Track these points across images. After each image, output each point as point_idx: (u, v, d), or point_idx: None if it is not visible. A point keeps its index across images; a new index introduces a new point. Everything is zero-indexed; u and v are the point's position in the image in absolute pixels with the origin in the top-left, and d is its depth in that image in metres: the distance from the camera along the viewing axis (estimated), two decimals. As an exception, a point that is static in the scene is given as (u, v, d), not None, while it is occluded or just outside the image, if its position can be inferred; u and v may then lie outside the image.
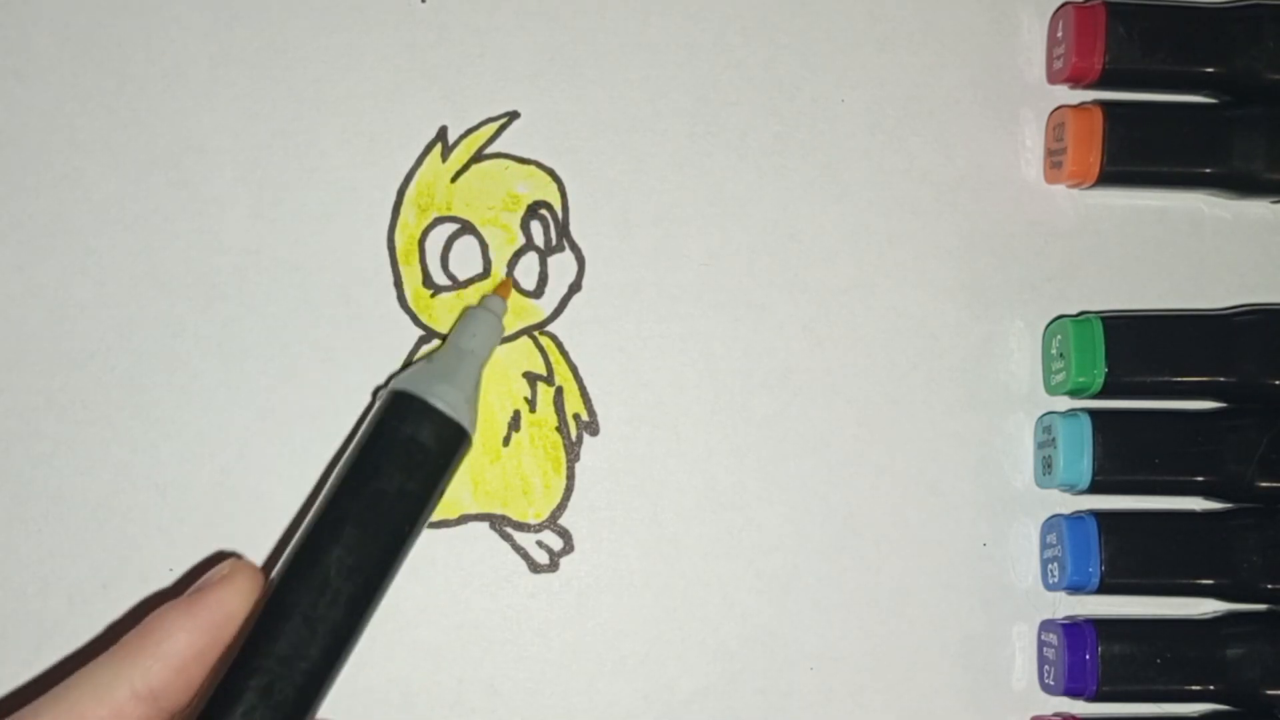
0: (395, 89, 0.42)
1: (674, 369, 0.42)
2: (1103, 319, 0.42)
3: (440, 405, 0.36)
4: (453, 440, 0.36)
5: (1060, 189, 0.44)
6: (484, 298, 0.40)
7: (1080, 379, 0.41)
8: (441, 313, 0.42)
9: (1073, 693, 0.41)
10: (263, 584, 0.34)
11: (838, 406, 0.43)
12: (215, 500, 0.41)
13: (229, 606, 0.33)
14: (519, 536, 0.42)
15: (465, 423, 0.36)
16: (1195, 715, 0.42)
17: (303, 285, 0.42)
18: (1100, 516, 0.41)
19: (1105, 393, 0.42)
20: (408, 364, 0.41)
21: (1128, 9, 0.42)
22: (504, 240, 0.43)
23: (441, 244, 0.42)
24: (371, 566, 0.34)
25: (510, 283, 0.42)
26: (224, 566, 0.34)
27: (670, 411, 0.42)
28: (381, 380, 0.42)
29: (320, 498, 0.35)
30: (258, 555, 0.41)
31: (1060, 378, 0.42)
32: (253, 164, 0.42)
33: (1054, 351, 0.43)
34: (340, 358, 0.42)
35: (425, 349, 0.42)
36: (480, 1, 0.43)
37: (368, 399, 0.42)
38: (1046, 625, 0.42)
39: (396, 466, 0.35)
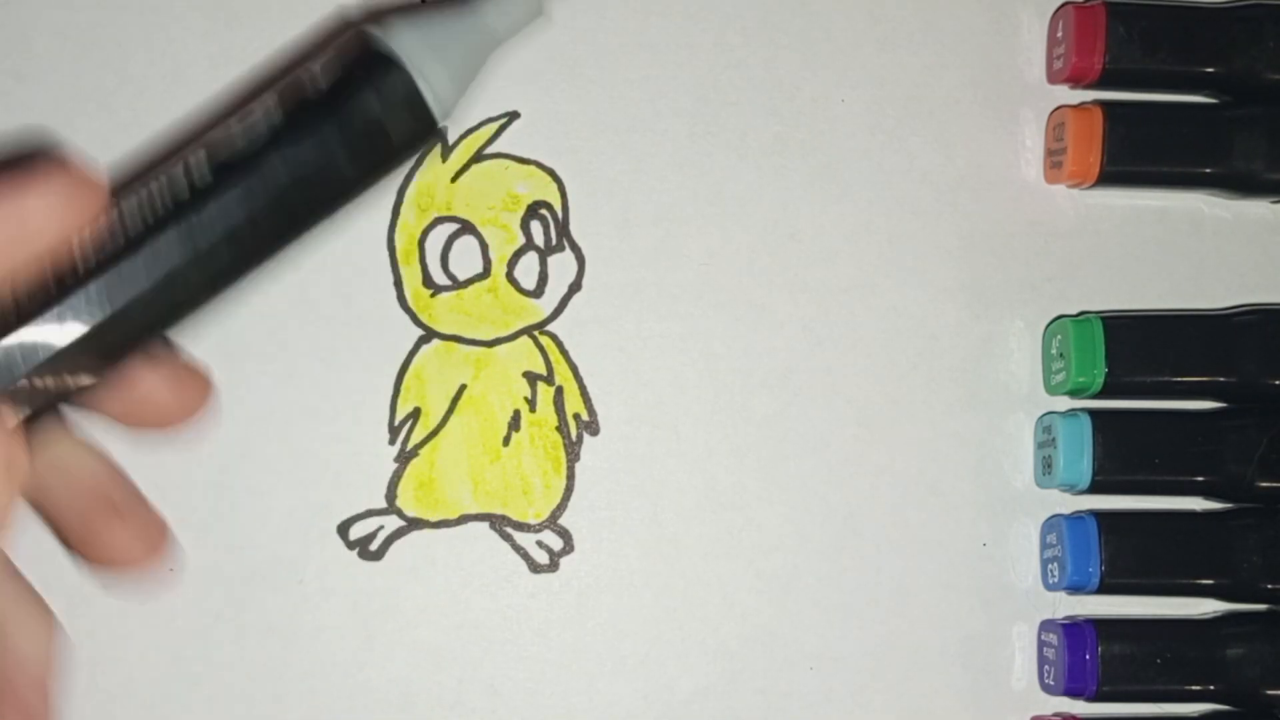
0: (395, 89, 0.42)
1: (674, 369, 0.42)
2: (1103, 319, 0.42)
3: (426, 92, 0.29)
4: (419, 133, 0.30)
5: (1060, 189, 0.44)
6: None
7: (1080, 379, 0.41)
8: (441, 313, 0.42)
9: (1073, 693, 0.41)
10: (100, 205, 0.28)
11: (838, 406, 0.43)
12: (215, 500, 0.41)
13: (37, 217, 0.27)
14: (519, 536, 0.42)
15: (443, 113, 0.30)
16: (1195, 715, 0.42)
17: (303, 285, 0.42)
18: (1100, 516, 0.41)
19: (1105, 393, 0.42)
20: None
21: (1128, 9, 0.42)
22: (504, 240, 0.43)
23: (441, 244, 0.42)
24: (255, 239, 0.29)
25: None
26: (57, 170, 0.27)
27: (670, 411, 0.42)
28: (381, 381, 0.42)
29: (233, 124, 0.29)
30: (258, 555, 0.41)
31: (1060, 378, 0.42)
32: (253, 164, 0.42)
33: (1054, 351, 0.43)
34: (340, 358, 0.42)
35: (425, 348, 0.42)
36: (480, 1, 0.43)
37: (368, 399, 0.42)
38: (1046, 625, 0.42)
39: (342, 141, 0.29)
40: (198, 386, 0.32)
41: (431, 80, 0.29)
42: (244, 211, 0.29)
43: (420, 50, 0.29)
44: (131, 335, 0.29)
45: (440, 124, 0.30)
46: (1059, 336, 0.42)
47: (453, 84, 0.30)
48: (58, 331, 0.28)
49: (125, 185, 0.29)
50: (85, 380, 0.29)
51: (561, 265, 0.43)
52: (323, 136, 0.29)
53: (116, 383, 0.30)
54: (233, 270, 0.29)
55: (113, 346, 0.29)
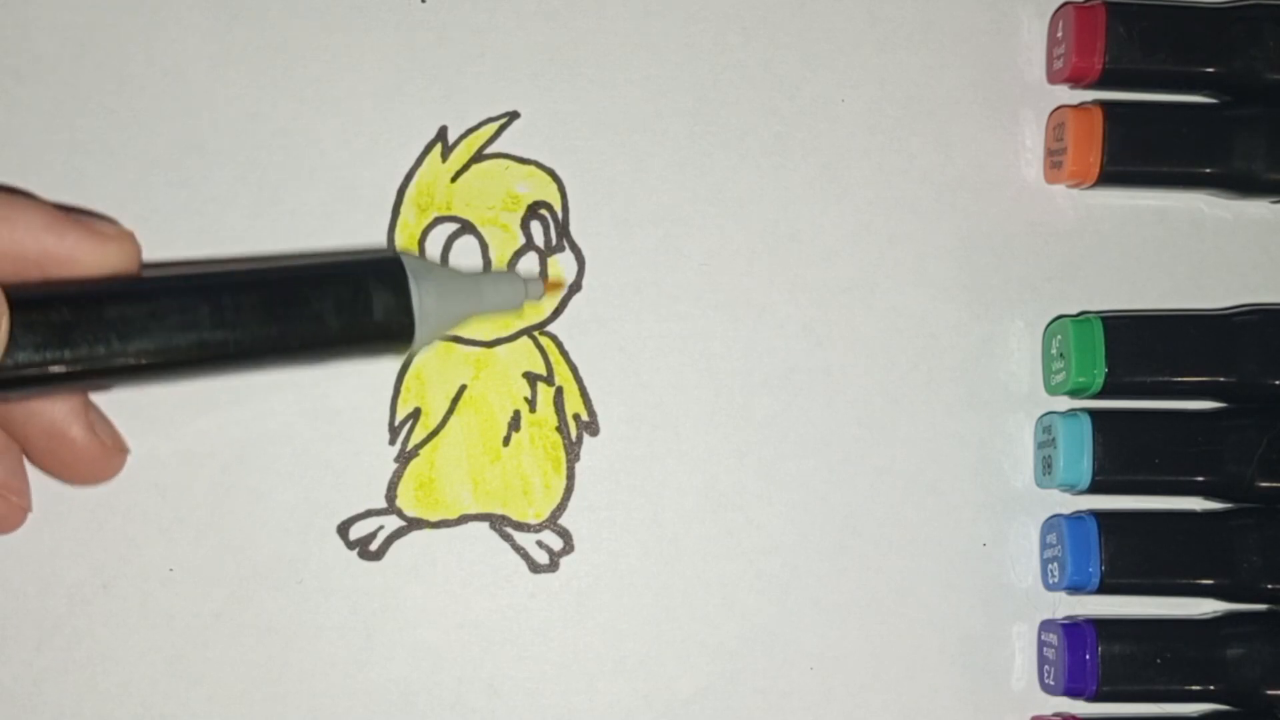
0: (395, 89, 0.42)
1: (674, 369, 0.42)
2: (1103, 319, 0.42)
3: (415, 304, 0.36)
4: (395, 334, 0.36)
5: (1060, 189, 0.44)
6: (533, 279, 0.40)
7: (1080, 379, 0.41)
8: (441, 313, 0.42)
9: (1073, 693, 0.41)
10: (135, 265, 0.35)
11: (838, 406, 0.43)
12: (215, 500, 0.41)
13: (98, 254, 0.34)
14: (519, 536, 0.42)
15: (416, 335, 0.36)
16: (1195, 715, 0.42)
17: (303, 285, 0.42)
18: (1100, 516, 0.41)
19: (1105, 393, 0.42)
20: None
21: (1128, 9, 0.42)
22: (504, 240, 0.43)
23: (441, 244, 0.42)
24: (226, 345, 0.34)
25: (560, 287, 0.42)
26: (120, 229, 0.35)
27: (670, 411, 0.42)
28: (381, 381, 0.42)
29: (259, 266, 0.36)
30: (258, 555, 0.41)
31: (1060, 378, 0.42)
32: (253, 164, 0.42)
33: (1054, 351, 0.43)
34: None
35: (425, 348, 0.42)
36: (480, 1, 0.43)
37: (368, 399, 0.42)
38: (1046, 625, 0.42)
39: (332, 303, 0.35)
40: (115, 454, 0.37)
41: (424, 294, 0.36)
42: (244, 318, 0.34)
43: (424, 273, 0.37)
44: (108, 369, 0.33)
45: (416, 328, 0.36)
46: (1059, 336, 0.42)
47: (437, 307, 0.37)
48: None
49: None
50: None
51: (561, 266, 0.43)
52: (325, 294, 0.35)
53: (51, 426, 0.35)
54: (211, 358, 0.35)
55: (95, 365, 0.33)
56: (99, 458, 0.37)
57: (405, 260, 0.37)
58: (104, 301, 0.33)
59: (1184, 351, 0.42)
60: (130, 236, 0.35)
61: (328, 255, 0.38)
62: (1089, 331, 0.41)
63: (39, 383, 0.33)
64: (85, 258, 0.34)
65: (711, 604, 0.42)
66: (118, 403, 0.41)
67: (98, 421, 0.37)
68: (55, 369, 0.32)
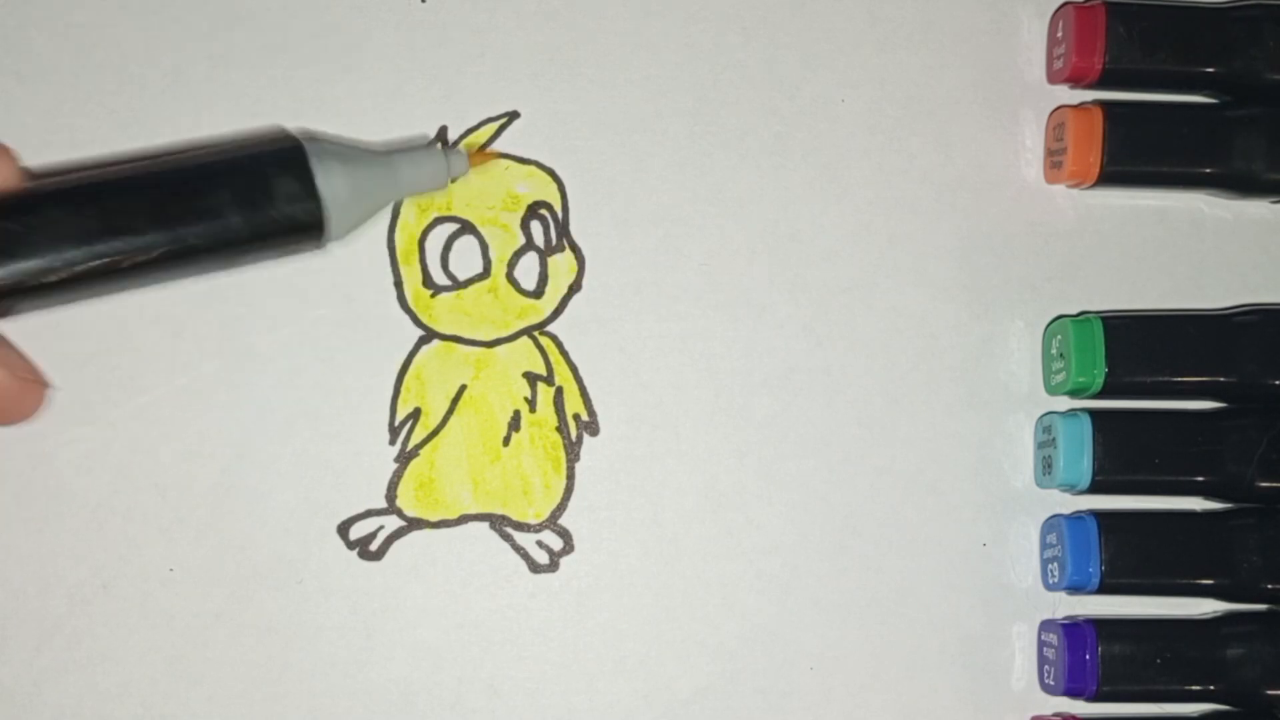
0: (395, 89, 0.42)
1: (674, 369, 0.42)
2: (1103, 319, 0.42)
3: (321, 189, 0.34)
4: (303, 224, 0.34)
5: (1060, 189, 0.44)
6: (455, 153, 0.38)
7: (1080, 379, 0.41)
8: (441, 313, 0.42)
9: (1073, 693, 0.41)
10: (14, 181, 0.33)
11: (838, 406, 0.43)
12: (215, 500, 0.41)
13: None
14: (519, 536, 0.42)
15: (329, 223, 0.35)
16: (1195, 715, 0.42)
17: (303, 285, 0.42)
18: (1100, 516, 0.41)
19: (1105, 393, 0.42)
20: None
21: (1128, 9, 0.42)
22: (504, 240, 0.43)
23: (441, 244, 0.42)
24: (114, 259, 0.33)
25: (489, 156, 0.40)
26: None
27: (670, 411, 0.42)
28: (381, 381, 0.42)
29: (149, 165, 0.34)
30: (258, 555, 0.41)
31: (1060, 378, 0.42)
32: (253, 164, 0.42)
33: (1054, 351, 0.43)
34: (340, 358, 0.42)
35: (425, 348, 0.42)
36: (480, 1, 0.43)
37: (368, 399, 0.42)
38: (1046, 625, 0.42)
39: (234, 198, 0.33)
40: (34, 389, 0.36)
41: (330, 178, 0.34)
42: (136, 222, 0.33)
43: (329, 155, 0.34)
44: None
45: (326, 219, 0.34)
46: (1059, 336, 0.42)
47: (348, 191, 0.34)
48: None
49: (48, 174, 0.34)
50: None
51: (561, 266, 0.43)
52: (219, 186, 0.33)
53: None
54: (108, 270, 0.33)
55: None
56: (16, 395, 0.35)
57: (307, 144, 0.35)
58: None
59: (1184, 351, 0.42)
60: (4, 150, 0.33)
61: (222, 145, 0.35)
62: (1089, 331, 0.41)
63: None
64: None
65: (711, 604, 0.42)
66: (116, 401, 0.41)
67: (10, 356, 0.35)
68: None
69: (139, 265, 0.33)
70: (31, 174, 0.34)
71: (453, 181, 0.38)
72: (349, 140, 0.38)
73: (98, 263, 0.32)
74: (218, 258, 0.34)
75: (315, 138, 0.36)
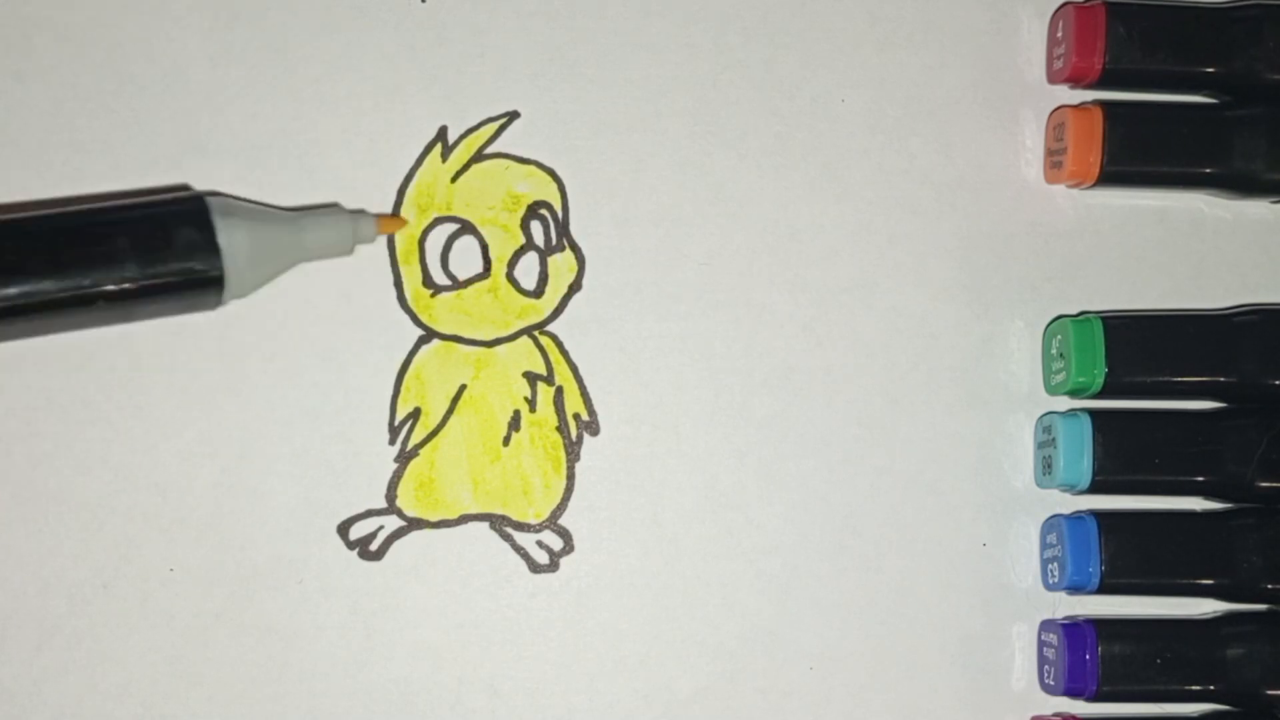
0: (395, 89, 0.42)
1: (674, 369, 0.42)
2: (1103, 319, 0.42)
3: (223, 245, 0.34)
4: (202, 280, 0.34)
5: (1060, 189, 0.44)
6: (364, 217, 0.39)
7: (1080, 379, 0.41)
8: (441, 313, 0.42)
9: (1073, 693, 0.41)
10: None
11: (838, 406, 0.43)
12: (215, 500, 0.41)
13: None
14: (519, 536, 0.42)
15: (227, 280, 0.35)
16: (1195, 715, 0.42)
17: (303, 285, 0.42)
18: (1100, 516, 0.41)
19: (1105, 393, 0.42)
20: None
21: (1128, 9, 0.42)
22: (504, 240, 0.43)
23: (441, 244, 0.42)
24: (15, 297, 0.32)
25: (399, 222, 0.41)
26: None
27: (670, 411, 0.42)
28: (381, 381, 0.42)
29: (52, 211, 0.34)
30: (258, 555, 0.41)
31: (1060, 378, 0.42)
32: (253, 164, 0.42)
33: (1054, 351, 0.43)
34: (340, 358, 0.42)
35: (425, 348, 0.42)
36: (480, 1, 0.43)
37: (368, 399, 0.42)
38: (1046, 625, 0.42)
39: (129, 245, 0.33)
40: None
41: (232, 233, 0.34)
42: (34, 266, 0.33)
43: (232, 213, 0.35)
44: None
45: (226, 272, 0.34)
46: (1059, 336, 0.42)
47: (249, 249, 0.35)
48: None
49: None
50: None
51: (561, 266, 0.43)
52: (119, 234, 0.33)
53: None
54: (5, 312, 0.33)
55: None
56: None
57: (210, 201, 0.35)
58: None
59: (1184, 351, 0.42)
60: None
61: (126, 197, 0.36)
62: (1089, 331, 0.41)
63: None
64: None
65: (711, 604, 0.42)
66: (116, 401, 0.41)
67: None
68: None
69: (34, 310, 0.33)
70: None
71: (359, 245, 0.39)
72: (254, 202, 0.39)
73: None
74: (114, 307, 0.34)
75: (218, 194, 0.36)
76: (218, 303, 0.36)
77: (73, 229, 0.33)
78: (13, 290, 0.32)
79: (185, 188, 0.40)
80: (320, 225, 0.38)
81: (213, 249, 0.34)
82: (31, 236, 0.33)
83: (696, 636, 0.42)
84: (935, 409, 0.43)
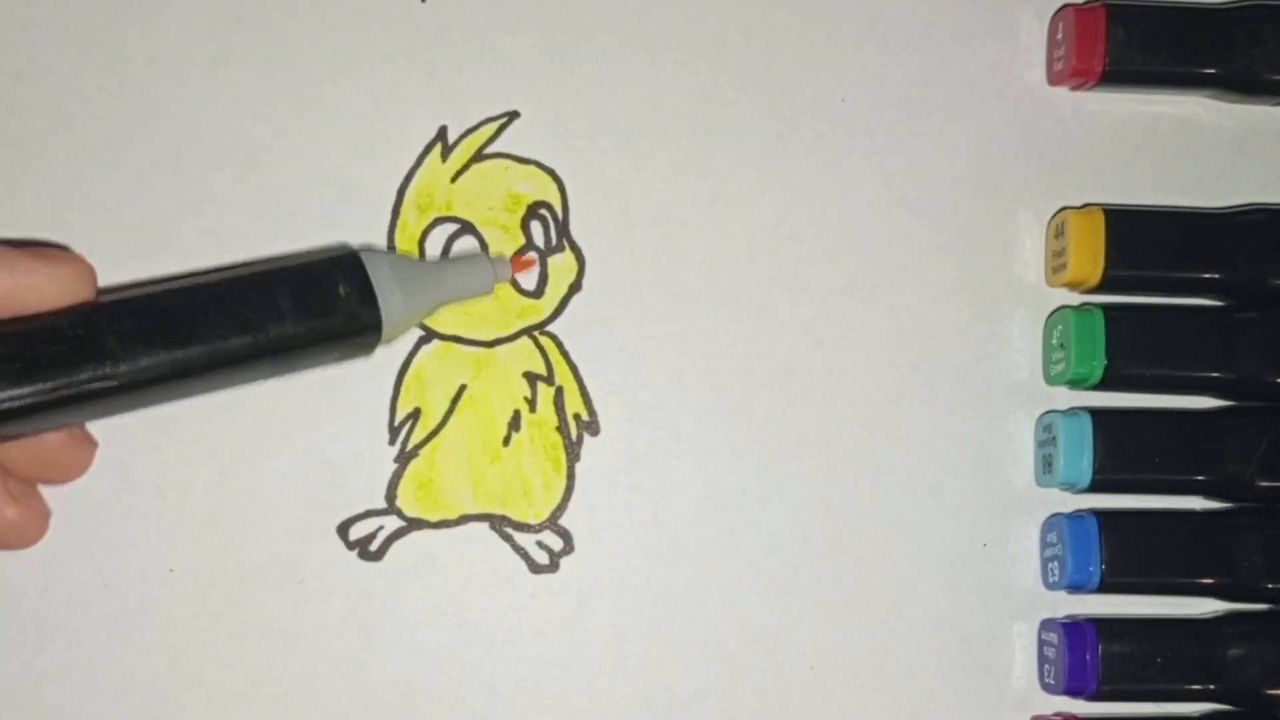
0: (395, 89, 0.42)
1: (674, 369, 0.42)
2: (1104, 309, 0.42)
3: (379, 296, 0.36)
4: (361, 330, 0.36)
5: (1063, 179, 0.44)
6: (500, 261, 0.41)
7: (1080, 369, 0.41)
8: (441, 313, 0.42)
9: (1073, 692, 0.41)
10: (90, 291, 0.34)
11: (838, 406, 0.43)
12: (215, 500, 0.41)
13: (52, 284, 0.33)
14: (519, 536, 0.42)
15: (384, 328, 0.36)
16: (1195, 715, 0.42)
17: (303, 285, 0.42)
18: (1100, 516, 0.41)
19: (1105, 384, 0.41)
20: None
21: (1128, 10, 0.42)
22: (504, 240, 0.43)
23: (441, 244, 0.42)
24: (187, 365, 0.34)
25: (529, 263, 0.42)
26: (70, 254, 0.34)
27: (670, 411, 0.42)
28: (381, 381, 0.42)
29: (213, 278, 0.35)
30: (258, 555, 0.41)
31: (1060, 368, 0.42)
32: (253, 164, 0.42)
33: (1054, 341, 0.42)
34: (340, 357, 0.42)
35: (425, 348, 0.42)
36: (480, 1, 0.43)
37: (368, 399, 0.42)
38: (1047, 625, 0.42)
39: (292, 304, 0.35)
40: (87, 448, 0.37)
41: (385, 288, 0.36)
42: (208, 332, 0.34)
43: (384, 265, 0.37)
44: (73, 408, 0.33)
45: (383, 321, 0.36)
46: (1060, 326, 0.42)
47: (402, 298, 0.36)
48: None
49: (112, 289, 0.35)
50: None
51: (561, 265, 0.43)
52: (280, 295, 0.35)
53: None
54: (175, 385, 0.34)
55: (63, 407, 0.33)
56: (21, 526, 0.36)
57: (364, 255, 0.37)
58: (59, 332, 0.32)
59: (1185, 345, 0.42)
60: (82, 261, 0.34)
61: (279, 259, 0.37)
62: (1090, 322, 0.41)
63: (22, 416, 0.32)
64: (42, 288, 0.33)
65: (711, 604, 0.42)
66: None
67: (16, 487, 0.36)
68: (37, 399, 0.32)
69: (208, 371, 0.34)
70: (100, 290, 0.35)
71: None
72: (403, 255, 0.41)
73: (168, 371, 0.33)
74: (279, 362, 0.35)
75: (372, 249, 0.38)
76: (372, 350, 0.37)
77: (243, 295, 0.35)
78: (192, 352, 0.34)
79: (341, 244, 0.41)
80: (463, 271, 0.39)
81: (371, 304, 0.36)
82: (207, 300, 0.34)
83: (696, 637, 0.42)
84: (935, 409, 0.43)
